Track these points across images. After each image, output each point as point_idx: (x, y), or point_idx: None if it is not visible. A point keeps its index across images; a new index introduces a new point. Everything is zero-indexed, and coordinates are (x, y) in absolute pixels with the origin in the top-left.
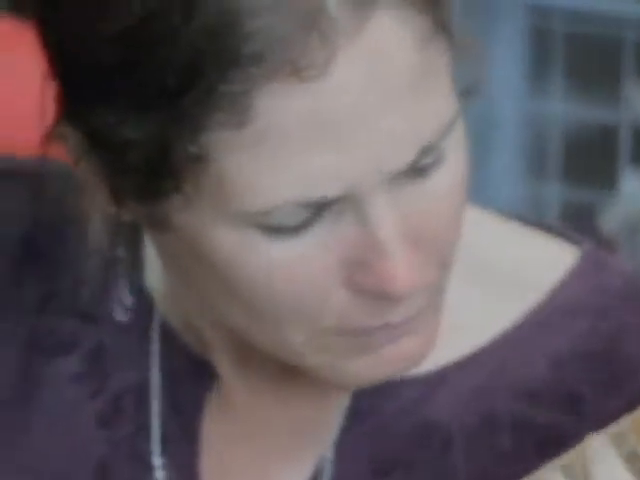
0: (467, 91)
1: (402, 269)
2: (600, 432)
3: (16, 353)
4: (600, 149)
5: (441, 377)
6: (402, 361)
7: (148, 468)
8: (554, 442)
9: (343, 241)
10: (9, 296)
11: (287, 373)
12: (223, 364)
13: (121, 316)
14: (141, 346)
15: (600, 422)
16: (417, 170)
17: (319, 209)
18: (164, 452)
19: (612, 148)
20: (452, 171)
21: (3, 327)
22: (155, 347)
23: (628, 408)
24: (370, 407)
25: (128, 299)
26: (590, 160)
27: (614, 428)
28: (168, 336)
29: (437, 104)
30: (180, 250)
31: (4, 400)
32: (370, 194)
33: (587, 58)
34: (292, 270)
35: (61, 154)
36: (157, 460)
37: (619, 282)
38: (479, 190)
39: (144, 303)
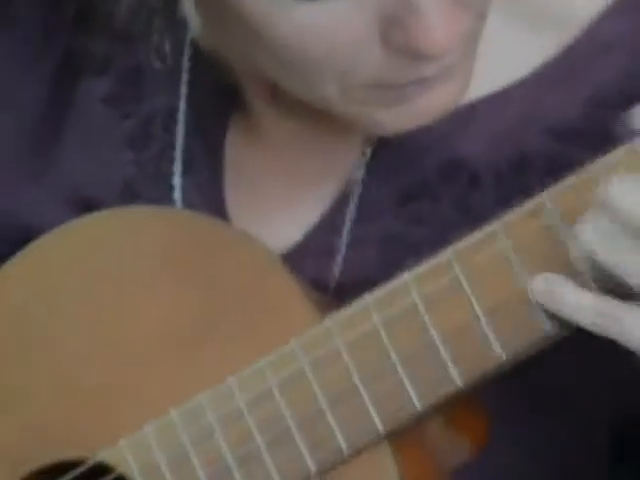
0: None
1: (437, 29)
2: None
3: (51, 70)
4: None
5: (471, 111)
6: (436, 108)
7: (169, 188)
8: None
9: None
10: (45, 13)
11: None
12: (253, 92)
13: (156, 64)
14: (173, 72)
15: None
16: None
17: None
18: (186, 173)
19: None
20: None
21: (39, 44)
22: (185, 75)
23: None
24: (396, 141)
25: (164, 50)
26: None
27: None
28: (199, 65)
29: None
30: (219, 5)
31: (38, 114)
32: None
33: None
34: (327, 27)
35: None
36: (177, 180)
37: None
38: None
39: (179, 31)
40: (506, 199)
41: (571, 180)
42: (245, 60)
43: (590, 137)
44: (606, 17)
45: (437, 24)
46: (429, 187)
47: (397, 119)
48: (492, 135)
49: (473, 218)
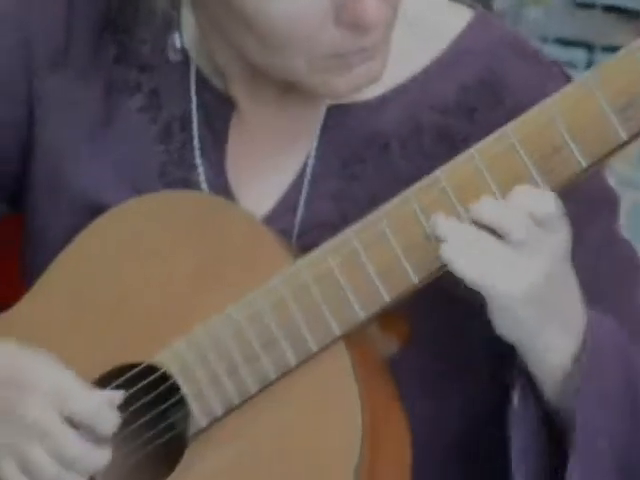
0: None
1: (371, 8)
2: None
3: (99, 93)
4: None
5: (381, 101)
6: (369, 76)
7: (193, 167)
8: (459, 143)
9: None
10: (95, 54)
11: (285, 95)
12: (240, 94)
13: (173, 57)
14: (183, 87)
15: (488, 127)
16: None
17: None
18: (202, 156)
19: None
20: None
21: (91, 73)
22: (192, 88)
23: (507, 118)
24: (336, 122)
25: (176, 46)
26: None
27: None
28: (201, 79)
29: None
30: (215, 8)
31: (93, 122)
32: None
33: None
34: (300, 12)
35: None
36: (199, 161)
37: (504, 33)
38: None
39: (183, 57)
40: (409, 157)
41: (456, 159)
42: (234, 52)
43: (460, 114)
44: (467, 31)
45: (371, 5)
46: (359, 155)
47: (345, 84)
48: (397, 114)
49: (388, 173)
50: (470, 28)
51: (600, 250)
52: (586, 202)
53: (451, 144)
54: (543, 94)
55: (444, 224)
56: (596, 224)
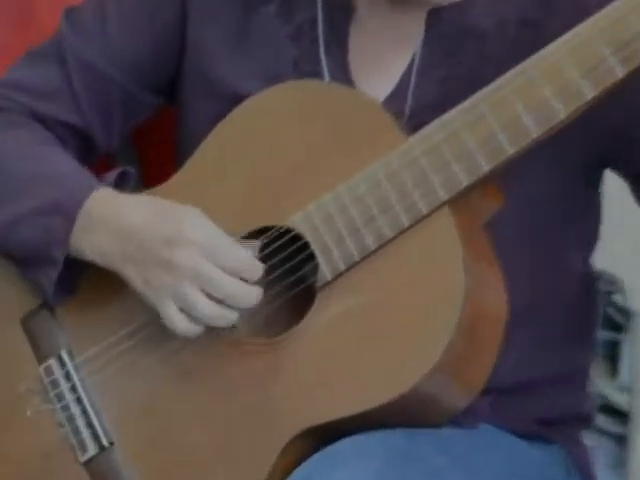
0: None
1: None
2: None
3: (239, 5)
4: None
5: (468, 3)
6: None
7: (319, 62)
8: (541, 28)
9: None
10: None
11: (394, 2)
12: (359, 1)
13: None
14: None
15: (563, 13)
16: None
17: None
18: (326, 53)
19: None
20: None
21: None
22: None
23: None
24: (436, 22)
25: None
26: None
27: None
28: None
29: None
30: None
31: (234, 27)
32: None
33: None
34: None
35: None
36: (323, 57)
37: None
38: None
39: None
40: (499, 43)
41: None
42: None
43: (539, 6)
44: None
45: None
46: (458, 45)
47: None
48: (483, 12)
49: (483, 58)
50: None
51: None
52: None
53: (533, 29)
54: None
55: None
56: None
